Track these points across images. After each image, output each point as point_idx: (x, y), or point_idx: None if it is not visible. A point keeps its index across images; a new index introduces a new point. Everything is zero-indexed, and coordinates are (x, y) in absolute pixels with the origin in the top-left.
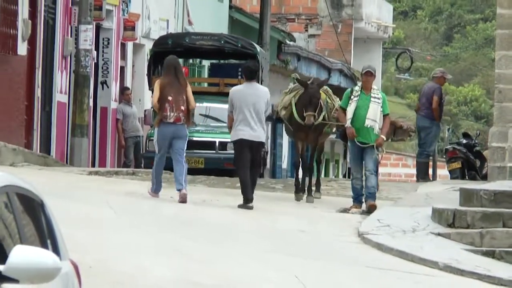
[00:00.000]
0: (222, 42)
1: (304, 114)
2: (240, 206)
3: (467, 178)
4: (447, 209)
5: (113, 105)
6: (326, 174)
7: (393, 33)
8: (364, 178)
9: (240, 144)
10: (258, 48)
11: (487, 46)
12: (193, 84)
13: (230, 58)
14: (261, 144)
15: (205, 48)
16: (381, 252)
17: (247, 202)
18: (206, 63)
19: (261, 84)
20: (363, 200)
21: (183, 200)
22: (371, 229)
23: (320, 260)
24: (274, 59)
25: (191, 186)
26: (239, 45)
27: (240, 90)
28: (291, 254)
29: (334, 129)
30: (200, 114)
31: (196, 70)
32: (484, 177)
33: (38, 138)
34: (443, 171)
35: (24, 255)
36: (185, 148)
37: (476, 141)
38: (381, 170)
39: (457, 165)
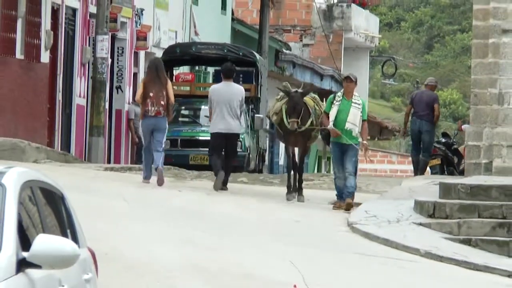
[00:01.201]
0: (225, 50)
1: (288, 120)
2: (215, 187)
3: (446, 173)
4: (428, 201)
5: (127, 107)
6: (319, 170)
7: (379, 43)
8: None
9: (215, 135)
10: (257, 56)
11: (464, 54)
12: (198, 89)
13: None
14: (235, 136)
15: (210, 56)
16: (368, 240)
17: (217, 183)
18: (210, 69)
19: (260, 88)
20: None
21: (160, 180)
22: (359, 219)
23: (313, 247)
24: (272, 66)
25: (197, 181)
26: (241, 53)
27: (218, 88)
28: (287, 242)
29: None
30: (205, 116)
31: (202, 76)
32: (461, 173)
33: (59, 138)
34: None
35: (46, 243)
36: (164, 139)
37: (454, 140)
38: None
39: (437, 161)
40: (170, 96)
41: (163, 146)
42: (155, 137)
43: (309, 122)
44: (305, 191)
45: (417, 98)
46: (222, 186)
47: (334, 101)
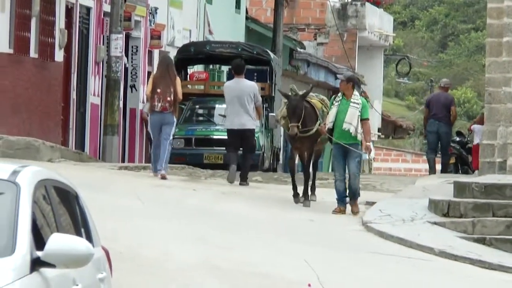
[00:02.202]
0: (239, 49)
1: (288, 125)
2: (228, 180)
3: (460, 172)
4: (442, 200)
5: (141, 106)
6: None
7: (393, 42)
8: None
9: (230, 132)
10: (271, 55)
11: (478, 53)
12: (213, 88)
13: (246, 64)
14: (249, 131)
15: (224, 55)
16: (382, 239)
17: (232, 178)
18: (225, 68)
19: (275, 87)
20: (347, 201)
21: (163, 177)
22: (373, 218)
23: (327, 246)
24: (286, 65)
25: (212, 180)
26: (255, 52)
27: (230, 85)
28: (301, 241)
29: None
30: (219, 115)
31: (216, 75)
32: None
33: (74, 136)
34: (437, 166)
35: (60, 242)
36: (172, 133)
37: (468, 139)
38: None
39: (451, 160)
40: (177, 93)
41: (171, 138)
42: (163, 131)
43: (317, 125)
44: (319, 190)
45: (433, 101)
46: (242, 181)
47: (334, 102)
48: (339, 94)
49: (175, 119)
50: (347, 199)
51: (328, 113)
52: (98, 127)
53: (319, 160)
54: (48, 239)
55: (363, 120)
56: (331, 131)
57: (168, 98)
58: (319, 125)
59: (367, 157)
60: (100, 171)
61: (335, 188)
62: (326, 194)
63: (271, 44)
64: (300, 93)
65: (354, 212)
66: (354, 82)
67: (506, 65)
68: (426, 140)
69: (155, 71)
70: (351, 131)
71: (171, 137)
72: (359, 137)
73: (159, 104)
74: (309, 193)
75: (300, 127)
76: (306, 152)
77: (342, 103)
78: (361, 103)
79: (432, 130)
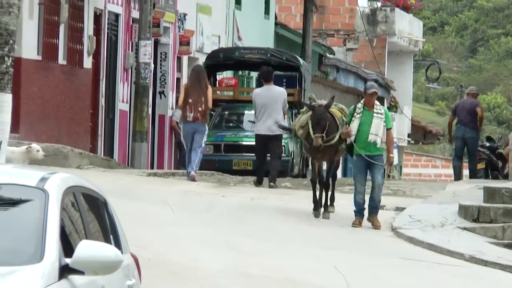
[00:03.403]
0: (269, 55)
1: (312, 136)
2: (255, 185)
3: (490, 177)
4: (472, 206)
5: (170, 112)
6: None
7: (423, 47)
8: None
9: (259, 137)
10: (301, 60)
11: (508, 58)
12: (242, 94)
13: (275, 70)
14: (277, 137)
15: (253, 61)
16: (412, 245)
17: (257, 183)
18: (254, 74)
19: (304, 93)
20: (364, 213)
21: (192, 179)
22: (403, 224)
23: (357, 252)
24: (316, 70)
25: (241, 186)
26: (284, 58)
27: (260, 92)
28: (331, 247)
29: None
30: (249, 121)
31: (245, 81)
32: (506, 177)
33: (102, 143)
34: (465, 171)
35: (89, 249)
36: (203, 141)
37: (498, 144)
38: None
39: (481, 165)
40: (208, 102)
41: (202, 146)
42: (195, 139)
43: (337, 135)
44: (349, 196)
45: (459, 107)
46: (270, 183)
47: (355, 113)
48: (359, 105)
49: (206, 128)
50: (364, 211)
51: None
52: (126, 133)
53: (337, 170)
54: (77, 246)
55: (388, 130)
56: (352, 142)
57: (200, 108)
58: (340, 134)
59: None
60: (128, 177)
61: (355, 200)
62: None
63: (300, 50)
64: (324, 103)
65: (376, 226)
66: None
67: None
68: (454, 146)
69: (186, 81)
70: (377, 142)
71: (203, 145)
72: (384, 146)
73: (191, 115)
74: (328, 203)
75: (325, 138)
76: (327, 162)
77: (364, 114)
78: (384, 113)
79: (458, 135)
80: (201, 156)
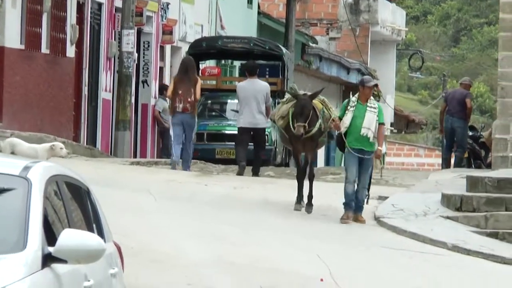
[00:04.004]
0: (252, 44)
1: (295, 124)
2: (237, 174)
3: (473, 166)
4: (455, 195)
5: (153, 101)
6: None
7: (406, 36)
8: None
9: (242, 130)
10: (284, 50)
11: (491, 47)
12: (225, 83)
13: (258, 59)
14: (261, 130)
15: (236, 50)
16: (395, 234)
17: (239, 171)
18: (237, 63)
19: (287, 82)
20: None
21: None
22: (386, 213)
23: (340, 241)
24: (299, 59)
25: (223, 175)
26: (267, 47)
27: (243, 85)
28: (314, 236)
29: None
30: (232, 110)
31: (228, 70)
32: (489, 166)
33: (85, 132)
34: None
35: (72, 238)
36: (193, 137)
37: (481, 133)
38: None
39: (464, 155)
40: (196, 93)
41: (192, 144)
42: (186, 136)
43: (317, 126)
44: (332, 185)
45: (450, 97)
46: (253, 175)
47: (349, 107)
48: (353, 98)
49: (196, 120)
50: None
51: (328, 114)
52: (109, 122)
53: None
54: (60, 235)
55: (380, 124)
56: (343, 136)
57: (189, 99)
58: (320, 126)
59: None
60: (111, 166)
61: (344, 191)
62: (338, 189)
63: (283, 39)
64: (309, 93)
65: (361, 221)
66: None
67: None
68: (444, 138)
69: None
70: (369, 136)
71: (193, 138)
72: (375, 142)
73: (181, 105)
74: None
75: (307, 127)
76: (307, 153)
77: (358, 108)
78: (377, 107)
79: (447, 126)
80: (192, 152)
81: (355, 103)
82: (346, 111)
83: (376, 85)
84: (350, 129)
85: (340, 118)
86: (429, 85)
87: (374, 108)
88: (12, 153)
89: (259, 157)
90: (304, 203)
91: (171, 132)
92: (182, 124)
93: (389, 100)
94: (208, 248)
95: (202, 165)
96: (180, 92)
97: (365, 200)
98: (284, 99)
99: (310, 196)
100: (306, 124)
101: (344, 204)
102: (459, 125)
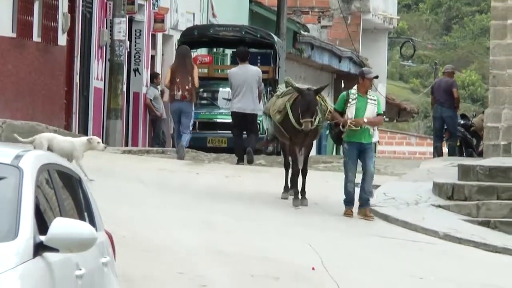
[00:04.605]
0: (243, 33)
1: (301, 120)
2: (236, 163)
3: (464, 155)
4: (447, 183)
5: (144, 90)
6: (337, 152)
7: (397, 24)
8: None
9: (234, 114)
10: (275, 38)
11: (482, 35)
12: (216, 71)
13: (250, 47)
14: (253, 115)
15: (228, 38)
16: (387, 222)
17: (238, 160)
18: (228, 52)
19: (279, 70)
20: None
21: (180, 153)
22: (378, 202)
23: (331, 230)
24: (290, 48)
25: (215, 163)
26: (259, 35)
27: (235, 71)
28: (305, 225)
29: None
30: (223, 98)
31: (220, 58)
32: (480, 154)
33: (77, 121)
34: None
35: (64, 227)
36: (191, 123)
37: (472, 122)
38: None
39: (457, 143)
40: (194, 81)
41: (190, 129)
42: (182, 121)
43: (317, 120)
44: (324, 173)
45: (436, 87)
46: (248, 159)
47: (350, 99)
48: (353, 91)
49: (193, 108)
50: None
51: (325, 107)
52: (101, 111)
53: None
54: (51, 224)
55: (379, 115)
56: (342, 130)
57: (187, 87)
58: (318, 120)
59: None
60: (103, 155)
61: (346, 189)
62: (330, 177)
63: (274, 27)
64: (313, 88)
65: (369, 217)
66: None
67: (511, 48)
68: (433, 126)
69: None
70: (371, 129)
71: (191, 128)
72: (373, 134)
73: (179, 93)
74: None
75: (314, 122)
76: (305, 148)
77: (359, 100)
78: (376, 99)
79: (436, 115)
80: (189, 139)
81: (356, 95)
82: (348, 105)
83: (376, 77)
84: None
85: (337, 111)
86: (420, 73)
87: (374, 100)
88: (49, 147)
89: (252, 143)
90: (292, 192)
91: (170, 115)
92: (179, 111)
93: (381, 89)
94: (200, 237)
95: (193, 154)
96: (177, 80)
97: (372, 192)
98: (279, 92)
99: (303, 191)
100: (313, 119)
101: (345, 202)
102: (448, 114)
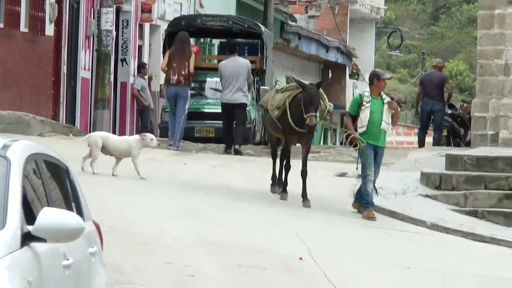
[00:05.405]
0: (230, 23)
1: (305, 115)
2: (223, 152)
3: (452, 145)
4: (434, 173)
5: (132, 80)
6: (325, 142)
7: (385, 14)
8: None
9: (224, 105)
10: (262, 28)
11: (470, 25)
12: (203, 61)
13: (237, 38)
14: (241, 105)
15: (215, 28)
16: (374, 212)
17: (226, 148)
18: (216, 42)
19: (266, 60)
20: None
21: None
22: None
23: (319, 220)
24: (278, 38)
25: (202, 153)
26: (246, 25)
27: (225, 63)
28: (293, 214)
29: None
30: (211, 88)
31: (207, 48)
32: (468, 144)
33: (64, 111)
34: (428, 138)
35: (51, 217)
36: (186, 107)
37: (460, 111)
38: None
39: (443, 133)
40: (190, 67)
41: (186, 112)
42: (178, 106)
43: (318, 117)
44: (311, 163)
45: (427, 80)
46: (235, 149)
47: (364, 103)
48: (366, 93)
49: (189, 93)
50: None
51: (324, 105)
52: (88, 101)
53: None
54: (39, 214)
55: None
56: (357, 135)
57: (183, 72)
58: (317, 117)
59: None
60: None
61: (366, 190)
62: (318, 168)
63: (262, 17)
64: (313, 83)
65: (373, 218)
66: None
67: (498, 38)
68: (420, 118)
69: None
70: (388, 130)
71: (186, 111)
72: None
73: (175, 78)
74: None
75: (317, 117)
76: (303, 145)
77: (374, 103)
78: (387, 99)
79: (426, 108)
80: (184, 125)
81: (369, 98)
82: (362, 108)
83: (390, 78)
84: (369, 125)
85: (352, 115)
86: (408, 63)
87: (385, 100)
88: (103, 146)
89: (240, 133)
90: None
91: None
92: (176, 96)
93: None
94: (188, 227)
95: (181, 144)
96: (174, 65)
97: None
98: (278, 87)
99: (305, 193)
100: (317, 114)
101: (366, 203)
102: (439, 107)
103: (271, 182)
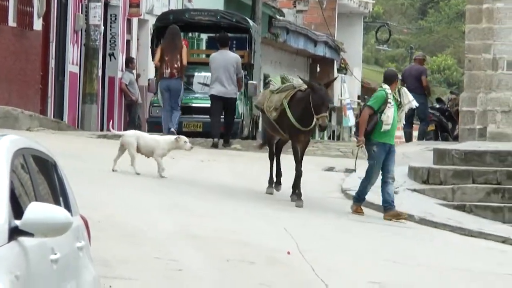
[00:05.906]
0: (219, 17)
1: (317, 116)
2: (211, 147)
3: (440, 139)
4: (422, 167)
5: (120, 74)
6: (313, 137)
7: (373, 9)
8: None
9: (213, 97)
10: (251, 22)
11: (458, 20)
12: (192, 56)
13: (225, 32)
14: (231, 99)
15: (203, 23)
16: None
17: (213, 142)
18: (204, 36)
19: (254, 55)
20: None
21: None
22: (353, 185)
23: (307, 214)
24: (266, 32)
25: None
26: (234, 20)
27: (215, 56)
28: (281, 209)
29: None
30: (199, 83)
31: (195, 43)
32: (456, 138)
33: (52, 105)
34: (414, 132)
35: (39, 211)
36: (180, 99)
37: (448, 106)
38: None
39: (431, 127)
40: (183, 60)
41: (179, 105)
42: (171, 99)
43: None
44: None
45: (406, 74)
46: (224, 144)
47: (389, 100)
48: (388, 90)
49: (182, 85)
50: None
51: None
52: (76, 95)
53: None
54: (27, 208)
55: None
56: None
57: (176, 65)
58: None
59: (348, 125)
60: (79, 139)
61: (365, 189)
62: (305, 162)
63: (250, 12)
64: (321, 83)
65: (403, 216)
66: None
67: (486, 32)
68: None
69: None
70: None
71: (179, 104)
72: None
73: (168, 71)
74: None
75: (328, 117)
76: (302, 145)
77: (394, 101)
78: None
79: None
80: (179, 114)
81: (391, 95)
82: (388, 105)
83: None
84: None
85: (374, 111)
86: (396, 57)
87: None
88: (137, 145)
89: (229, 127)
90: (277, 185)
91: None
92: (169, 89)
93: (356, 73)
94: (175, 221)
95: None
96: (166, 58)
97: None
98: (273, 88)
99: (299, 193)
100: (327, 114)
101: (359, 200)
102: (420, 101)
103: (267, 184)
